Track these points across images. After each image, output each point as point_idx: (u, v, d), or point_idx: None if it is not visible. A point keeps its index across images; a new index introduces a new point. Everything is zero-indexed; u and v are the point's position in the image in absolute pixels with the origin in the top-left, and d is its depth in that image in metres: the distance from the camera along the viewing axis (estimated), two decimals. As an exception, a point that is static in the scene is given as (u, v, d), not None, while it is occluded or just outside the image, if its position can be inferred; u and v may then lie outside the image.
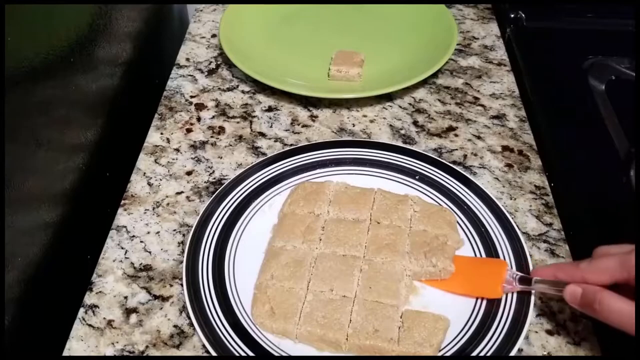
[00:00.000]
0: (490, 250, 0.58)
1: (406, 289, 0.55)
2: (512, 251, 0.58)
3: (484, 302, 0.54)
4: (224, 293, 0.55)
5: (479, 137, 0.74)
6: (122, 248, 0.61)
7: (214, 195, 0.63)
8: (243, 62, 0.79)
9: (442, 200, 0.63)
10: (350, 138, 0.72)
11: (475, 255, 0.59)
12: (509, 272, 0.55)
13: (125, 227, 0.63)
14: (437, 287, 0.57)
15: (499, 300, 0.54)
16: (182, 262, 0.59)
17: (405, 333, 0.51)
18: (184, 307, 0.55)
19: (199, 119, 0.76)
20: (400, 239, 0.58)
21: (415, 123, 0.76)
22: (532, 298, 0.53)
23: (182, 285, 0.56)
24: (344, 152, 0.68)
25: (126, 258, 0.60)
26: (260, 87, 0.81)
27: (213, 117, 0.77)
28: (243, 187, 0.64)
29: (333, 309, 0.53)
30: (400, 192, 0.63)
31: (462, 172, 0.66)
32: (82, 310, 0.56)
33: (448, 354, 0.51)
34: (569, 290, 0.49)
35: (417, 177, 0.66)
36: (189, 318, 0.54)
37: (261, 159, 0.68)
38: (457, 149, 0.72)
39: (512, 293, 0.54)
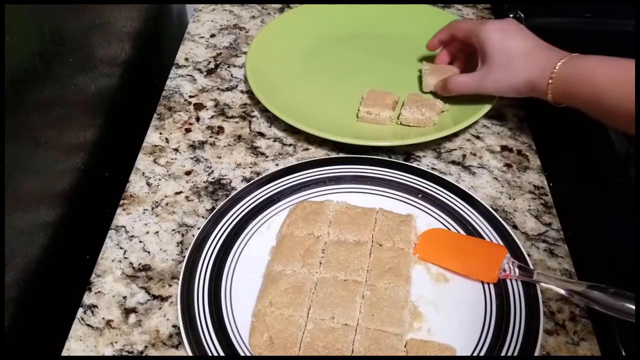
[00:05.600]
0: None
1: (410, 316, 0.54)
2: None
3: (491, 330, 0.52)
4: (221, 322, 0.53)
5: (477, 137, 0.74)
6: (121, 248, 0.61)
7: (209, 217, 0.61)
8: (274, 103, 0.74)
9: (445, 219, 0.62)
10: (350, 155, 0.69)
11: None
12: (507, 259, 0.55)
13: (124, 227, 0.63)
14: (435, 263, 0.57)
15: (507, 328, 0.52)
16: (181, 262, 0.59)
17: None
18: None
19: (198, 119, 0.76)
20: (404, 262, 0.56)
21: (414, 123, 0.75)
22: (541, 328, 0.52)
23: (178, 293, 0.56)
24: (343, 169, 0.66)
25: (125, 258, 0.60)
26: (260, 87, 0.81)
27: (212, 117, 0.77)
28: (240, 208, 0.62)
29: (334, 339, 0.51)
30: (402, 211, 0.62)
31: (466, 190, 0.64)
32: (81, 310, 0.55)
33: None
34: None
35: (419, 196, 0.64)
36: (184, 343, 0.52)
37: (258, 177, 0.66)
38: (456, 149, 0.72)
39: (520, 324, 0.52)
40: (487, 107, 0.72)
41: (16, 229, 0.52)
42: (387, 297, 0.54)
